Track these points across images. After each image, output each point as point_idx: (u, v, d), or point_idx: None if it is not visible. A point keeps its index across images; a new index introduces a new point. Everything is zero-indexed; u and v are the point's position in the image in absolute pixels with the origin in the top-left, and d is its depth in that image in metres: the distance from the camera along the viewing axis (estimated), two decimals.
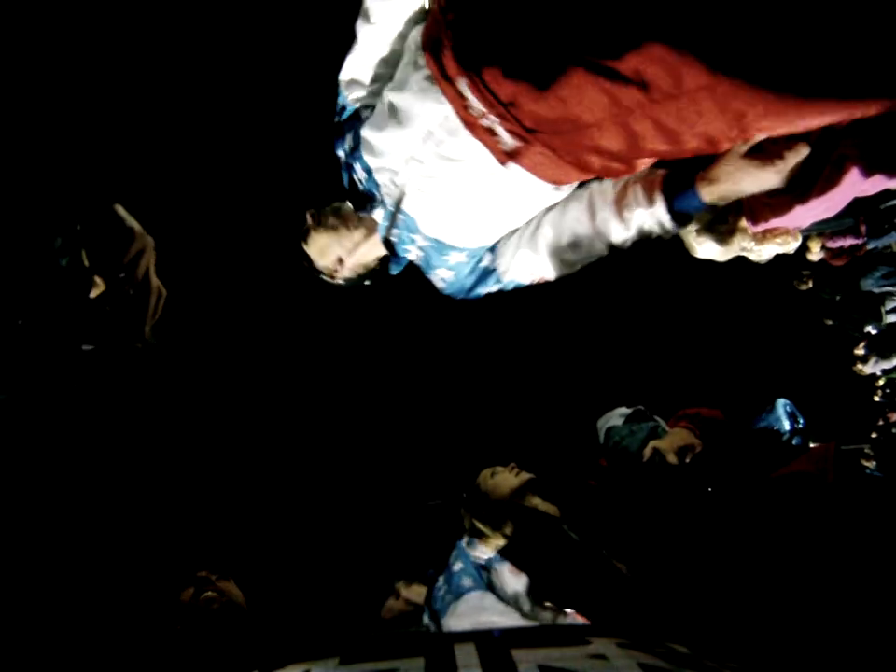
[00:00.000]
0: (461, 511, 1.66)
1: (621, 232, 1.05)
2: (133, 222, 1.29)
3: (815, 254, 4.09)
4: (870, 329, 4.98)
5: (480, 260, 1.20)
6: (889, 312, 4.70)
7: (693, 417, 1.66)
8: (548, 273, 1.18)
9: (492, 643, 0.31)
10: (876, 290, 4.45)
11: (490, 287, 1.22)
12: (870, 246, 4.00)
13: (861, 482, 1.30)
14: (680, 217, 1.01)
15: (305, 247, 1.31)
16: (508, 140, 0.95)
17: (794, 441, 1.66)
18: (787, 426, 1.69)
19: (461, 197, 1.06)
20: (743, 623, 1.17)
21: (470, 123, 0.95)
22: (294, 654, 0.30)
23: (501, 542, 1.55)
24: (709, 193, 0.95)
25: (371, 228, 1.23)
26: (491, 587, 1.53)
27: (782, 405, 1.82)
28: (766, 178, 0.89)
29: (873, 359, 5.12)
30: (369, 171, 1.11)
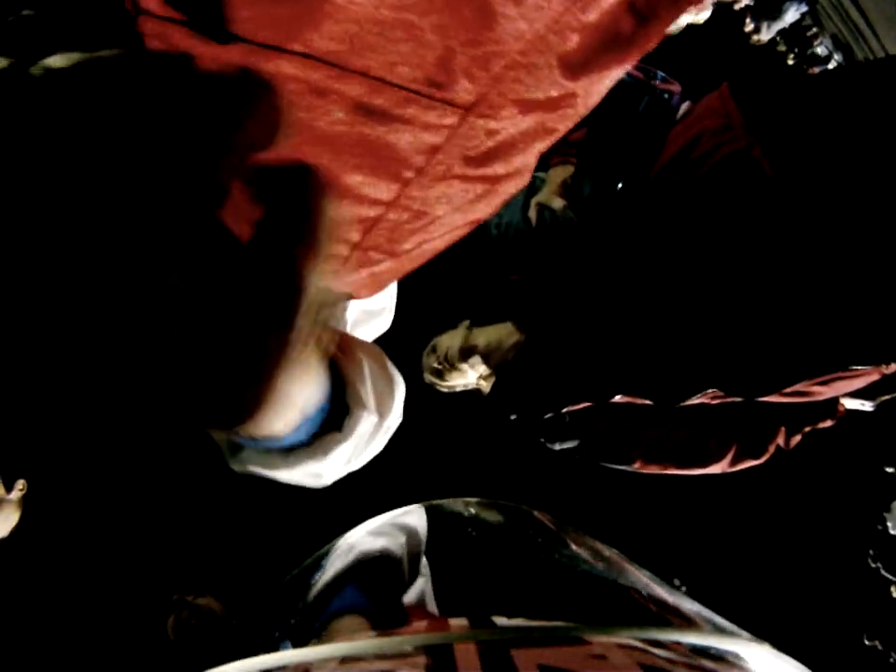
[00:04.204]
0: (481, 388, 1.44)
1: None
2: None
3: None
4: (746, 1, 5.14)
5: None
6: None
7: (558, 151, 1.43)
8: None
9: (492, 642, 0.31)
10: None
11: None
12: None
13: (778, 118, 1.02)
14: None
15: None
16: None
17: (665, 98, 1.36)
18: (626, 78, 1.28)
19: None
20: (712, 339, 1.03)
21: None
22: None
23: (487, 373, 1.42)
24: None
25: None
26: None
27: None
28: None
29: (764, 26, 5.07)
30: None
